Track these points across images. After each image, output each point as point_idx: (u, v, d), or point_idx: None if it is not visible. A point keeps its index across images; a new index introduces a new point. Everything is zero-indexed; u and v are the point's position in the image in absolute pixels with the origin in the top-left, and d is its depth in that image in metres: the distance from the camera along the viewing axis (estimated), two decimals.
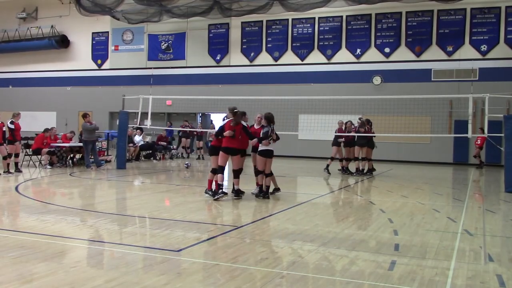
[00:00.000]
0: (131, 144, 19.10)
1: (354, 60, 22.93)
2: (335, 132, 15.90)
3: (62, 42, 28.40)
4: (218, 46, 25.50)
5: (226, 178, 12.05)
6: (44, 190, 11.75)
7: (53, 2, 28.39)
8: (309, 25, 23.82)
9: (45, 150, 15.92)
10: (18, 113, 14.47)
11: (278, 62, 24.28)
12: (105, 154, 19.08)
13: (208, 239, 6.41)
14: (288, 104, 19.35)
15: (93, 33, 28.18)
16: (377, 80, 22.40)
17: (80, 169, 15.72)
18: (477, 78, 20.59)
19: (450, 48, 21.49)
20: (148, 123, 18.32)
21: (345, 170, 15.93)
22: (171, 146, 22.22)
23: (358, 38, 22.92)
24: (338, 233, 7.02)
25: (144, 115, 18.05)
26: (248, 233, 6.90)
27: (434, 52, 21.77)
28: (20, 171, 14.08)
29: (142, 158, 20.08)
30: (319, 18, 23.47)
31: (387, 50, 22.43)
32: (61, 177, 13.77)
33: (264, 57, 24.59)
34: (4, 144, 13.78)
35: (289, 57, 24.12)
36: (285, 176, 14.62)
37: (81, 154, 16.97)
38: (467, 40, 21.28)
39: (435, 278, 4.96)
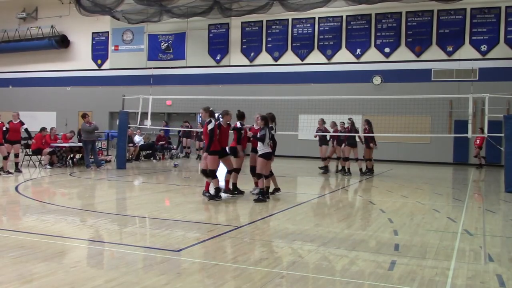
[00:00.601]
0: (131, 144, 19.11)
1: (354, 60, 22.93)
2: (316, 131, 16.17)
3: (62, 42, 28.40)
4: (218, 46, 25.50)
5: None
6: (44, 190, 11.76)
7: (53, 2, 28.39)
8: (309, 25, 23.82)
9: (46, 150, 15.91)
10: (14, 114, 14.36)
11: (278, 62, 24.27)
12: (104, 154, 19.08)
13: (208, 239, 6.41)
14: (288, 104, 19.35)
15: (93, 33, 28.18)
16: (377, 80, 22.39)
17: (80, 169, 15.72)
18: (477, 78, 20.59)
19: (450, 48, 21.49)
20: (148, 123, 18.32)
21: (327, 169, 16.20)
22: (171, 146, 22.21)
23: (358, 38, 22.92)
24: (338, 233, 7.02)
25: (144, 115, 18.05)
26: (248, 233, 6.90)
27: (434, 52, 21.76)
28: (20, 171, 14.09)
29: (142, 158, 20.08)
30: (319, 18, 23.47)
31: (387, 50, 22.43)
32: (61, 177, 13.77)
33: (264, 57, 24.58)
34: (5, 144, 13.79)
35: (289, 57, 24.11)
36: (285, 176, 14.62)
37: (81, 154, 16.97)
38: (467, 40, 21.28)
39: (435, 278, 4.96)
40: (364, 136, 15.56)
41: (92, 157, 16.02)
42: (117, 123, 17.67)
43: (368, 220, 8.12)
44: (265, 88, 23.03)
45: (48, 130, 16.90)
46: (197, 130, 22.15)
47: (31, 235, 6.46)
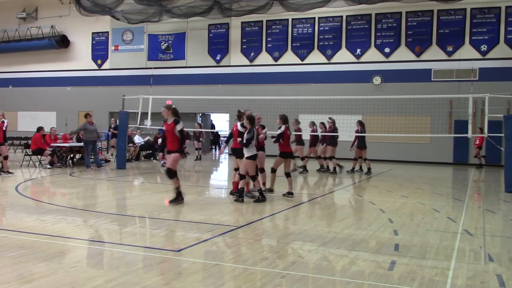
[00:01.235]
0: (131, 144, 19.11)
1: (354, 60, 22.93)
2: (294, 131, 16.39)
3: (62, 42, 28.41)
4: (218, 46, 25.50)
5: (227, 179, 12.02)
6: (44, 190, 11.76)
7: (53, 2, 28.40)
8: (309, 25, 23.82)
9: (48, 151, 15.88)
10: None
11: (278, 62, 24.27)
12: (103, 153, 19.08)
13: (208, 239, 6.41)
14: (288, 104, 19.34)
15: (93, 33, 28.18)
16: (377, 80, 22.39)
17: (80, 169, 15.72)
18: (477, 78, 20.59)
19: (450, 48, 21.49)
20: (148, 123, 18.32)
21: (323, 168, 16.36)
22: None
23: (358, 38, 22.92)
24: (338, 233, 7.02)
25: (144, 115, 18.05)
26: (248, 233, 6.90)
27: (434, 52, 21.77)
28: (10, 173, 13.86)
29: (142, 158, 20.08)
30: (319, 18, 23.47)
31: (387, 50, 22.43)
32: (61, 177, 13.77)
33: (264, 57, 24.58)
34: (5, 144, 13.75)
35: (289, 57, 24.12)
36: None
37: (81, 154, 16.97)
38: (467, 40, 21.28)
39: (435, 278, 4.96)
40: (355, 136, 15.75)
41: (92, 157, 16.02)
42: (117, 123, 17.67)
43: (368, 220, 8.12)
44: (265, 88, 23.03)
45: (48, 130, 16.90)
46: (193, 130, 21.90)
47: (31, 235, 6.46)
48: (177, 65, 26.19)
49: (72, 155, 16.80)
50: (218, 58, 25.45)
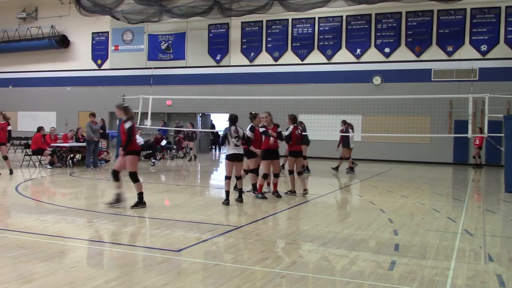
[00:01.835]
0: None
1: (354, 60, 22.93)
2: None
3: (62, 42, 28.41)
4: (218, 46, 25.50)
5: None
6: (44, 190, 11.75)
7: (53, 2, 28.39)
8: (309, 25, 23.82)
9: (48, 152, 15.88)
10: None
11: (278, 62, 24.27)
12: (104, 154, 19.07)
13: (208, 239, 6.41)
14: (288, 104, 19.35)
15: (93, 33, 28.18)
16: (377, 80, 22.39)
17: (80, 169, 15.72)
18: (477, 78, 20.59)
19: (450, 48, 21.49)
20: (148, 123, 18.31)
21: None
22: (172, 146, 22.17)
23: (358, 38, 22.92)
24: (338, 233, 7.02)
25: (144, 115, 18.05)
26: (248, 233, 6.89)
27: (434, 52, 21.76)
28: None
29: (142, 158, 20.06)
30: (319, 18, 23.47)
31: (387, 50, 22.43)
32: (61, 177, 13.76)
33: (264, 57, 24.58)
34: (8, 144, 13.70)
35: (289, 57, 24.11)
36: (285, 176, 14.60)
37: (80, 154, 16.97)
38: (467, 40, 21.28)
39: (435, 278, 4.96)
40: (340, 136, 15.85)
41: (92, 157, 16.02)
42: (117, 123, 17.67)
43: (368, 220, 8.12)
44: (265, 88, 23.03)
45: (48, 130, 16.90)
46: (189, 130, 21.72)
47: (31, 235, 6.46)
48: (177, 65, 26.19)
49: (72, 155, 16.80)
50: (218, 58, 25.45)
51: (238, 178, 9.51)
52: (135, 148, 8.86)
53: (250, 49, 24.85)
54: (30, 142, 16.93)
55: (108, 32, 27.83)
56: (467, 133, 14.36)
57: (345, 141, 16.13)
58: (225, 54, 25.32)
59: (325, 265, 5.36)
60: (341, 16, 23.06)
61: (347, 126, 16.25)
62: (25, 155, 16.45)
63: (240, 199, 9.40)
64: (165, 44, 26.50)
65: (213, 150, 28.52)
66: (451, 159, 21.27)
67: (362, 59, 22.78)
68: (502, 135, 12.68)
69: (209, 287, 4.57)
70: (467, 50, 21.25)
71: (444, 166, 20.32)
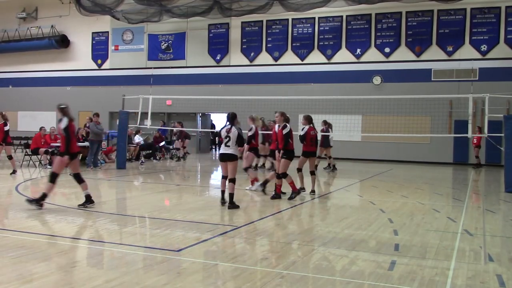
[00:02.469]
0: (131, 144, 19.08)
1: (354, 60, 22.93)
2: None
3: (62, 42, 28.40)
4: (218, 46, 25.50)
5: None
6: (44, 190, 11.72)
7: (53, 2, 28.39)
8: (309, 25, 23.82)
9: (42, 150, 15.89)
10: None
11: (278, 62, 24.27)
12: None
13: (208, 239, 6.41)
14: (288, 104, 19.34)
15: (93, 33, 28.17)
16: (377, 80, 22.39)
17: (80, 169, 15.68)
18: (477, 78, 20.58)
19: (450, 48, 21.49)
20: (148, 123, 18.31)
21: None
22: (171, 146, 22.16)
23: (358, 38, 22.92)
24: (338, 233, 7.01)
25: (144, 115, 18.05)
26: (248, 233, 6.90)
27: (434, 52, 21.76)
28: None
29: (142, 159, 20.05)
30: (319, 18, 23.46)
31: (387, 50, 22.43)
32: (61, 177, 13.70)
33: (264, 57, 24.58)
34: (3, 144, 13.72)
35: (289, 57, 24.11)
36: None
37: (81, 154, 16.93)
38: (467, 40, 21.28)
39: (435, 278, 4.96)
40: (322, 135, 16.15)
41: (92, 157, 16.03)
42: (117, 123, 17.67)
43: (368, 220, 8.12)
44: (265, 88, 23.02)
45: (48, 130, 16.90)
46: (178, 129, 21.43)
47: (31, 235, 6.46)
48: (177, 65, 26.18)
49: None
50: (218, 58, 25.45)
51: (231, 180, 8.82)
52: (73, 150, 8.70)
53: (250, 49, 24.85)
54: (30, 142, 16.94)
55: (108, 32, 27.82)
56: (467, 133, 14.35)
57: (325, 141, 16.53)
58: (225, 54, 25.32)
59: (325, 265, 5.36)
60: (341, 16, 23.06)
61: (327, 126, 16.67)
62: (25, 155, 16.45)
63: (230, 205, 8.77)
64: (165, 44, 26.50)
65: (213, 150, 28.51)
66: (451, 159, 21.27)
67: (362, 59, 22.78)
68: (502, 135, 12.68)
69: (209, 287, 4.57)
70: (467, 50, 21.24)
71: (444, 166, 20.32)
